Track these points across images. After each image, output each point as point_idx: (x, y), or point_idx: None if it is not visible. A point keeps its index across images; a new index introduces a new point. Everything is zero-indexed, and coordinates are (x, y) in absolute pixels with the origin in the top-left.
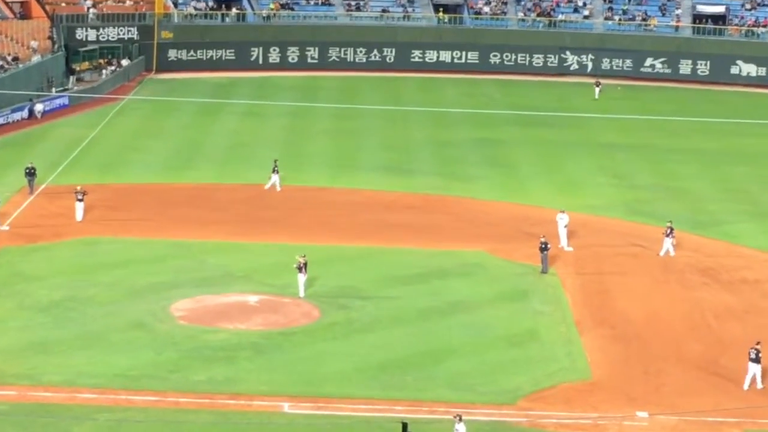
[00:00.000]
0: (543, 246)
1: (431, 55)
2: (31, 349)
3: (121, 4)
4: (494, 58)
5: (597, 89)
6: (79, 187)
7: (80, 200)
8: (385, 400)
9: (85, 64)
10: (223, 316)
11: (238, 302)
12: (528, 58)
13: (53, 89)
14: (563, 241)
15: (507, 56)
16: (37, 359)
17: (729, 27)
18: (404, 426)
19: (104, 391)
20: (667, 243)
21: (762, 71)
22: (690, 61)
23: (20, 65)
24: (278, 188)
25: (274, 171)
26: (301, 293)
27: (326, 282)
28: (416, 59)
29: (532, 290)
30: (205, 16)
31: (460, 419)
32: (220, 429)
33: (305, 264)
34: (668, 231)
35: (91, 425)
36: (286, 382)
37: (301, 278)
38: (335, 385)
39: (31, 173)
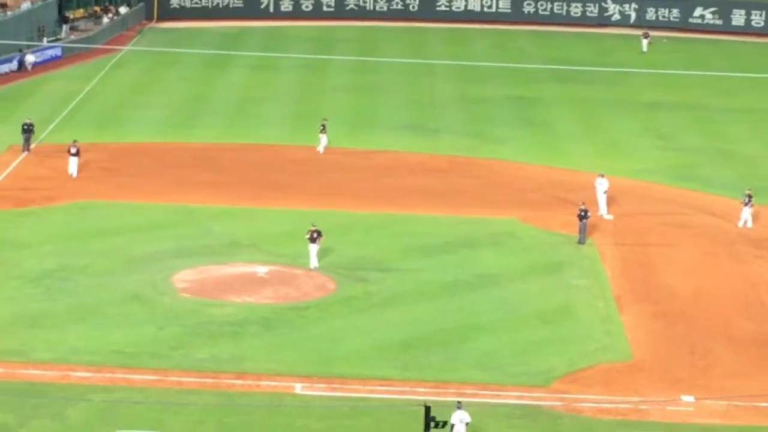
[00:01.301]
0: (582, 214)
1: (459, 4)
2: (20, 322)
3: None
4: (528, 7)
5: (645, 41)
6: (73, 141)
7: (74, 155)
8: (406, 382)
9: (80, 12)
10: (229, 289)
11: (246, 273)
12: (565, 7)
13: (45, 39)
14: (602, 208)
15: (542, 5)
16: (26, 334)
17: None
18: (427, 410)
19: (100, 369)
20: (746, 213)
21: None
22: (743, 11)
23: (9, 13)
24: (321, 150)
25: (322, 131)
26: (313, 264)
27: (343, 252)
28: (442, 8)
29: (568, 262)
30: None
31: (460, 406)
32: (225, 411)
33: (318, 233)
34: (746, 199)
35: (86, 406)
36: (297, 361)
37: (313, 248)
38: (352, 364)
39: (28, 130)
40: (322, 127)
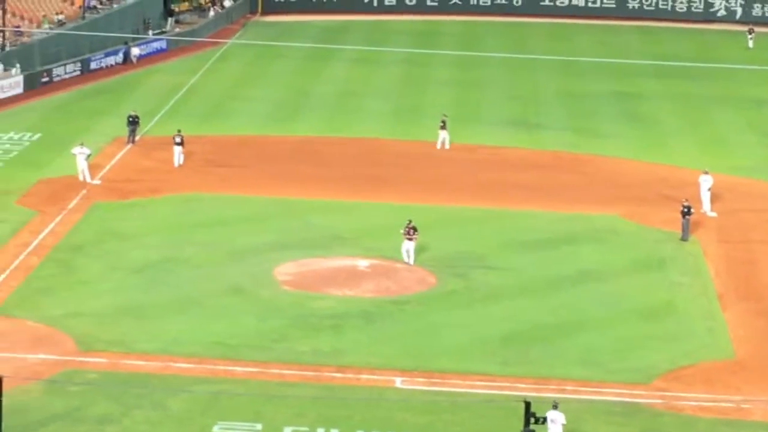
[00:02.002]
0: (685, 210)
1: None
2: (123, 313)
3: None
4: (633, 3)
5: (750, 37)
6: (177, 131)
7: (178, 144)
8: (507, 377)
9: (185, 5)
10: (331, 282)
11: (347, 266)
12: (670, 3)
13: (150, 32)
14: (706, 205)
15: (647, 0)
16: (129, 325)
17: None
18: (527, 405)
19: (201, 361)
20: None
21: None
22: None
23: (115, 5)
24: (447, 146)
25: (441, 127)
26: (410, 261)
27: (444, 246)
28: (546, 3)
29: (671, 259)
30: None
31: (556, 406)
32: (325, 404)
33: (414, 229)
34: None
35: (187, 397)
36: (398, 355)
37: (410, 245)
38: (452, 359)
39: (133, 122)
40: (442, 123)
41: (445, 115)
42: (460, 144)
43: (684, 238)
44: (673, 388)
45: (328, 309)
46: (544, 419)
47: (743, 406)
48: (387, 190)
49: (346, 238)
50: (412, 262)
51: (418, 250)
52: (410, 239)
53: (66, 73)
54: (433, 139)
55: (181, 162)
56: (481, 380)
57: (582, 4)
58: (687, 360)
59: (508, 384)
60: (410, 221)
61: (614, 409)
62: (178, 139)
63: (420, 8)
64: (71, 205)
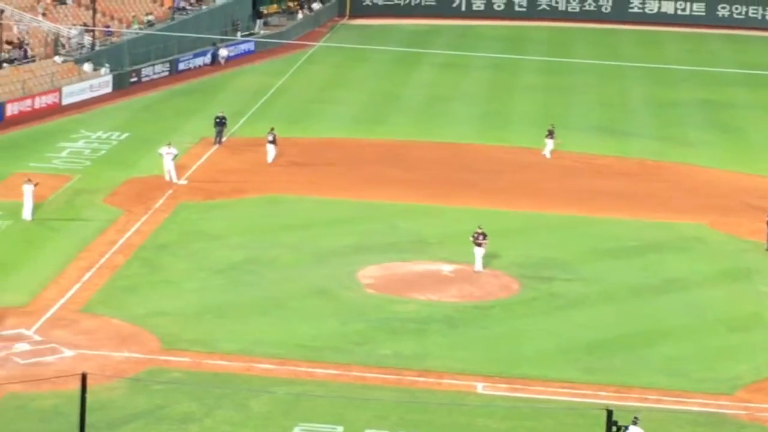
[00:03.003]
0: None
1: (652, 6)
2: (206, 313)
3: None
4: (723, 11)
5: None
6: (270, 129)
7: (271, 142)
8: (589, 385)
9: (274, 8)
10: (414, 286)
11: (431, 271)
12: (761, 11)
13: (239, 33)
14: None
15: (737, 8)
16: (212, 324)
17: None
18: (609, 414)
19: (283, 362)
20: None
21: None
22: None
23: (204, 7)
24: (548, 155)
25: (548, 136)
26: (478, 268)
27: (528, 252)
28: (635, 10)
29: (758, 269)
30: None
31: (635, 422)
32: (406, 408)
33: (483, 236)
34: None
35: (269, 399)
36: (480, 360)
37: (479, 252)
38: (534, 365)
39: (221, 122)
40: (548, 132)
41: (552, 124)
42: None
43: None
44: (758, 399)
45: (411, 313)
46: (626, 428)
47: None
48: (472, 195)
49: (430, 242)
50: (480, 268)
51: (501, 256)
52: (479, 245)
53: (154, 74)
54: (517, 145)
55: (272, 161)
56: (563, 387)
57: (671, 11)
58: None
59: (590, 392)
60: (480, 227)
61: (698, 419)
62: (270, 138)
63: (508, 14)
64: (157, 205)
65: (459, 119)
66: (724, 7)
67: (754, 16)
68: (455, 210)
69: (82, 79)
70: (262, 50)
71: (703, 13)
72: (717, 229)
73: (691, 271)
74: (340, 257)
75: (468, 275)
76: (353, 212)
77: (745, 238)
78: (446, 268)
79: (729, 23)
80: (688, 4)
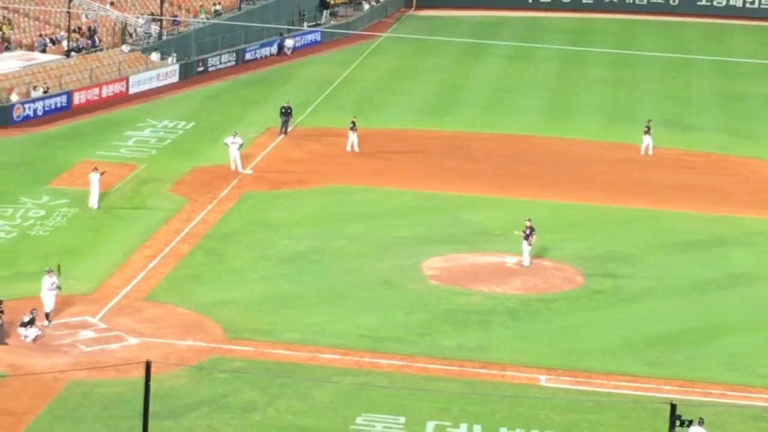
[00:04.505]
0: None
1: None
2: (270, 302)
3: None
4: None
5: None
6: (353, 117)
7: (353, 129)
8: (652, 379)
9: None
10: (478, 278)
11: (495, 263)
12: None
13: (305, 24)
14: None
15: None
16: (276, 314)
17: None
18: (673, 408)
19: (347, 352)
20: None
21: None
22: None
23: None
24: (650, 151)
25: (646, 132)
26: (526, 262)
27: (593, 245)
28: (703, 2)
29: None
30: None
31: (701, 422)
32: (469, 400)
33: (531, 229)
34: None
35: (332, 388)
36: (543, 353)
37: (527, 247)
38: (598, 359)
39: (286, 113)
40: (646, 129)
41: (649, 121)
42: (613, 143)
43: None
44: None
45: (475, 305)
46: (690, 422)
47: None
48: (538, 188)
49: (494, 234)
50: (527, 263)
51: (565, 249)
52: (527, 239)
53: (221, 63)
54: (584, 137)
55: (353, 149)
56: (626, 381)
57: (740, 4)
58: None
59: (653, 386)
60: (529, 219)
61: (762, 414)
62: (351, 125)
63: (575, 6)
64: (222, 194)
65: (524, 111)
66: None
67: None
68: (520, 202)
69: (148, 69)
70: (328, 41)
71: None
72: None
73: (756, 266)
74: (404, 248)
75: (533, 267)
76: (417, 203)
77: None
78: (510, 260)
79: None
80: None
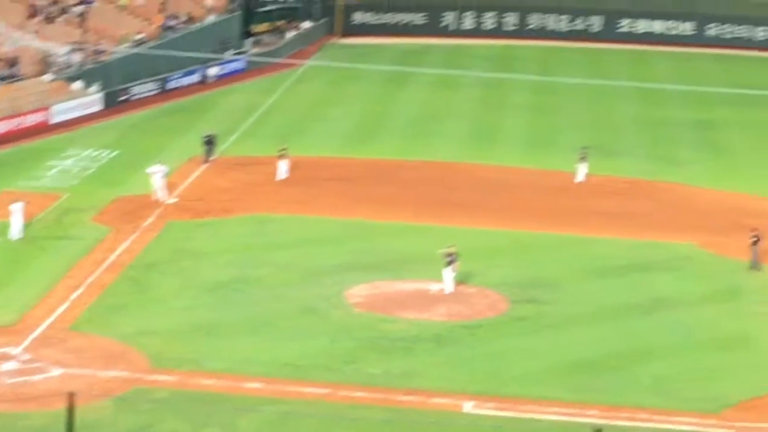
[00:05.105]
0: (755, 239)
1: (641, 25)
2: (194, 331)
3: None
4: (712, 30)
5: None
6: (282, 146)
7: (283, 157)
8: (577, 404)
9: (263, 26)
10: (403, 305)
11: (419, 290)
12: (749, 31)
13: (228, 52)
14: None
15: (726, 28)
16: (200, 343)
17: None
18: None
19: (271, 381)
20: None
21: None
22: None
23: (194, 26)
24: (581, 179)
25: (581, 160)
26: (449, 289)
27: (517, 272)
28: (624, 29)
29: (747, 288)
30: None
31: None
32: (394, 427)
33: (454, 255)
34: None
35: (256, 417)
36: (468, 380)
37: (450, 274)
38: (522, 385)
39: (210, 141)
40: (581, 157)
41: (584, 148)
42: (535, 169)
43: (754, 268)
44: (746, 419)
45: (400, 332)
46: None
47: None
48: (462, 214)
49: (419, 261)
50: (451, 290)
51: (490, 275)
52: (450, 263)
53: (144, 92)
54: (507, 164)
55: (284, 177)
56: (551, 406)
57: (660, 30)
58: (761, 390)
59: (578, 411)
60: (452, 246)
61: None
62: (282, 153)
63: (498, 33)
64: (146, 223)
65: (449, 138)
66: (713, 27)
67: (743, 35)
68: (444, 229)
69: (71, 98)
70: (252, 69)
71: (692, 33)
72: (706, 248)
73: (680, 290)
74: (329, 276)
75: (456, 294)
76: (342, 231)
77: (734, 258)
78: (434, 287)
79: (718, 42)
80: (678, 23)
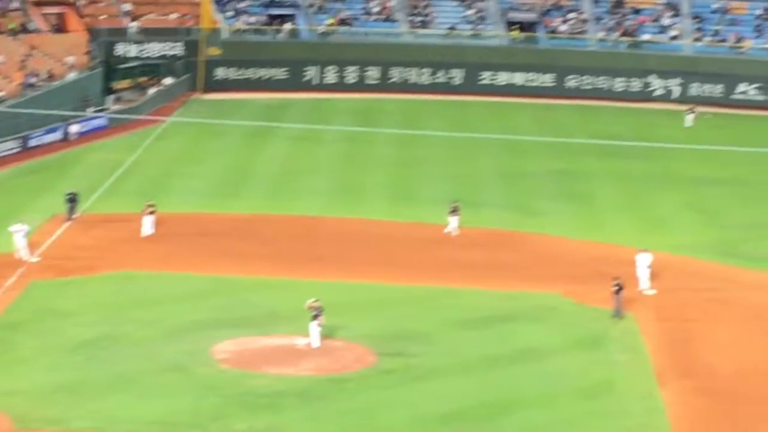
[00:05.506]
0: (616, 288)
1: (502, 78)
2: (59, 391)
3: (165, 17)
4: (571, 82)
5: (690, 116)
6: (149, 202)
7: (148, 213)
8: None
9: (125, 83)
10: (269, 360)
11: (286, 345)
12: (609, 83)
13: (90, 109)
14: (644, 283)
15: (585, 80)
16: (66, 402)
17: None
18: None
19: None
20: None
21: None
22: None
23: (55, 83)
24: (453, 231)
25: (452, 213)
26: (316, 343)
27: (384, 324)
28: (485, 81)
29: (609, 337)
30: (257, 31)
31: None
32: None
33: (319, 309)
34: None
35: None
36: None
37: (316, 328)
38: None
39: (72, 199)
40: (452, 209)
41: (456, 201)
42: (400, 222)
43: (616, 316)
44: None
45: (266, 387)
46: None
47: None
48: (327, 268)
49: (284, 316)
50: (317, 344)
51: (356, 329)
52: (315, 317)
53: (5, 150)
54: (372, 217)
55: (149, 233)
56: None
57: (520, 82)
58: None
59: None
60: (317, 300)
61: None
62: (148, 210)
63: (360, 87)
64: (8, 283)
65: (312, 192)
66: (573, 79)
67: (602, 86)
68: (310, 283)
69: None
70: (115, 126)
71: (552, 84)
72: (570, 297)
73: (545, 340)
74: (195, 332)
75: (323, 348)
76: (207, 287)
77: (598, 307)
78: (300, 342)
79: (577, 94)
80: (538, 75)
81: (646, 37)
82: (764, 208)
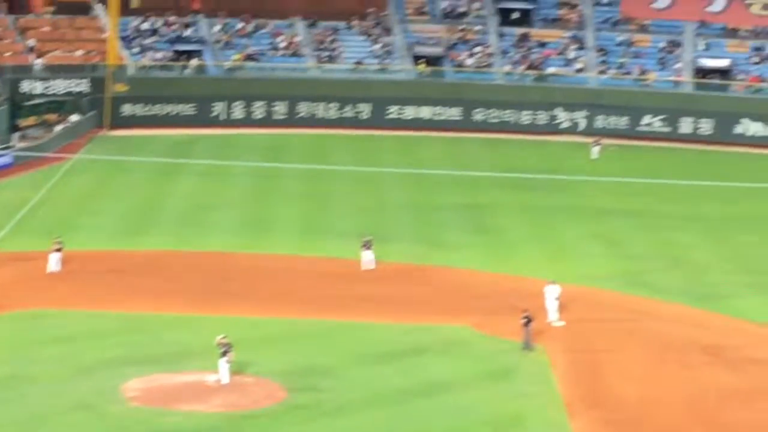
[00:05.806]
0: (525, 321)
1: (409, 112)
2: None
3: (70, 53)
4: (478, 115)
5: (596, 149)
6: (56, 238)
7: (58, 250)
8: None
9: (31, 120)
10: (179, 397)
11: (195, 381)
12: (515, 115)
13: None
14: (553, 314)
15: (492, 113)
16: None
17: (734, 82)
18: None
19: None
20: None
21: None
22: (691, 119)
23: None
24: (368, 266)
25: (365, 247)
26: (226, 380)
27: (294, 359)
28: (393, 116)
29: (519, 369)
30: (163, 67)
31: None
32: None
33: (228, 345)
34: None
35: None
36: None
37: (225, 365)
38: None
39: None
40: (364, 244)
41: (369, 236)
42: (308, 256)
43: (526, 348)
44: None
45: (177, 425)
46: None
47: None
48: (236, 303)
49: (195, 352)
50: (227, 381)
51: (266, 364)
52: (224, 354)
53: None
54: (280, 252)
55: (55, 269)
56: None
57: (428, 116)
58: None
59: None
60: (225, 336)
61: None
62: (56, 246)
63: (268, 122)
64: None
65: (222, 228)
66: (479, 112)
67: (509, 120)
68: (219, 319)
69: None
70: (20, 163)
71: (459, 118)
72: (480, 330)
73: (455, 373)
74: (104, 370)
75: (234, 385)
76: (117, 324)
77: (506, 338)
78: (211, 378)
79: (484, 127)
80: (445, 109)
81: (551, 70)
82: (667, 238)
